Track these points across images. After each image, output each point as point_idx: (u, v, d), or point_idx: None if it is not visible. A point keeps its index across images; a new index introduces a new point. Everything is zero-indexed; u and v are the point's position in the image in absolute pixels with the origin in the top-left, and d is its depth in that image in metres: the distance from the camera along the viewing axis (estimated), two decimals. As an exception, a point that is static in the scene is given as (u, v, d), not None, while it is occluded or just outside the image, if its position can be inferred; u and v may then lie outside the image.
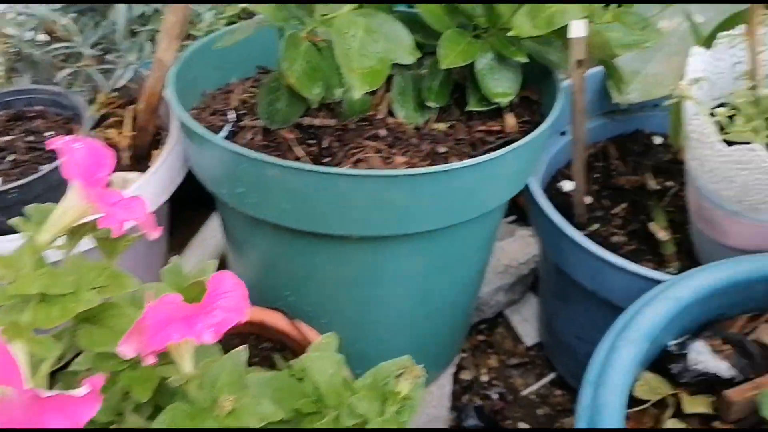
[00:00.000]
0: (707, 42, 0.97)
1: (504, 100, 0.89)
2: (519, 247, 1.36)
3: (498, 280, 1.30)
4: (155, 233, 0.56)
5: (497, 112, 0.94)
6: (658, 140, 1.27)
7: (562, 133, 1.20)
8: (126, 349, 0.51)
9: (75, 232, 0.55)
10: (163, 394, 0.57)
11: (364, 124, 0.89)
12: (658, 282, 0.83)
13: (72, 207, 0.53)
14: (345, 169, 0.73)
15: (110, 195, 0.55)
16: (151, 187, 0.89)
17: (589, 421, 0.68)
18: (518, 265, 1.33)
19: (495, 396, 1.21)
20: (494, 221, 0.91)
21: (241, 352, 0.62)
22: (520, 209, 1.48)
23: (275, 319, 0.81)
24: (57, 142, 0.52)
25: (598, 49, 0.88)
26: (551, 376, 1.24)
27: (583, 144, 0.99)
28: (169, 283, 0.62)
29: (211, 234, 1.30)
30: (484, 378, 1.25)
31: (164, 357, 0.56)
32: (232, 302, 0.55)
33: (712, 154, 0.83)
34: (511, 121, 0.93)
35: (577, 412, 0.70)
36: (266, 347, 0.82)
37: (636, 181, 1.17)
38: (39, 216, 0.54)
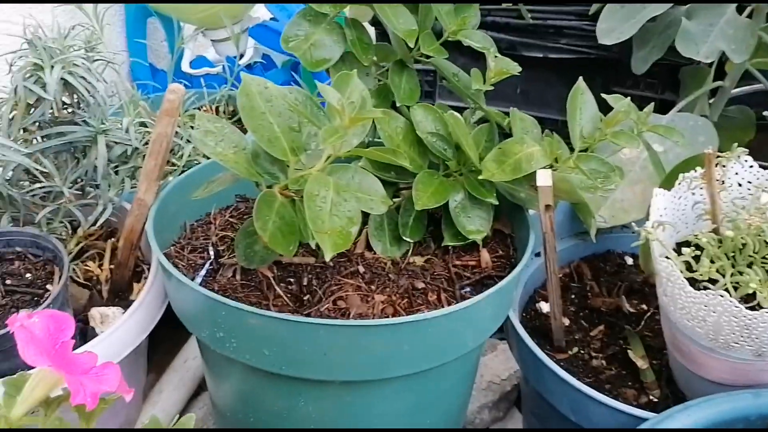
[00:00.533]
0: (668, 183, 1.01)
1: (478, 237, 0.92)
2: (501, 362, 1.35)
3: (482, 398, 1.28)
4: (128, 396, 0.56)
5: (473, 245, 0.96)
6: (629, 260, 1.30)
7: (537, 255, 1.23)
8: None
9: (49, 404, 0.55)
10: None
11: (342, 260, 0.91)
12: (642, 419, 0.84)
13: (42, 381, 0.53)
14: (324, 320, 0.74)
15: (80, 364, 0.55)
16: (131, 327, 0.89)
17: None
18: (501, 381, 1.32)
19: None
20: (474, 357, 0.92)
21: None
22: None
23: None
24: (12, 324, 0.52)
25: (564, 193, 0.92)
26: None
27: (557, 278, 1.01)
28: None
29: (192, 354, 1.28)
30: (472, 506, 1.22)
31: None
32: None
33: (682, 294, 0.86)
34: (485, 256, 0.95)
35: None
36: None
37: (611, 304, 1.19)
38: (12, 389, 0.54)
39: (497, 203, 0.90)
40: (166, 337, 1.31)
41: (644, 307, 1.18)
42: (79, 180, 0.97)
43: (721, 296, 0.79)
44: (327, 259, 0.67)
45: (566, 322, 1.16)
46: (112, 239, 1.05)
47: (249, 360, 0.77)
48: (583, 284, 1.25)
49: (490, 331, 0.87)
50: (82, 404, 0.58)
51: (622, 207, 1.25)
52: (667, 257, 0.86)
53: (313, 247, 0.77)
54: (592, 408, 0.91)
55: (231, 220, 1.02)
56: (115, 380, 0.54)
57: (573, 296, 1.23)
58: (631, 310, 1.17)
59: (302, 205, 0.71)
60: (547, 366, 0.94)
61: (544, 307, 1.19)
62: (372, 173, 0.84)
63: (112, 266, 1.00)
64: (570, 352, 1.11)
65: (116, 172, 0.97)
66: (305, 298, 0.85)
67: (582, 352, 1.12)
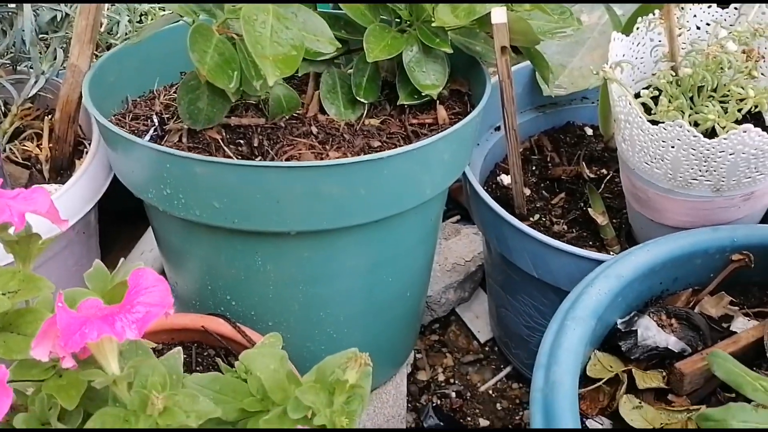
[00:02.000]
0: (627, 29, 0.99)
1: (434, 92, 0.89)
2: (465, 245, 1.36)
3: (447, 279, 1.29)
4: (63, 225, 0.52)
5: (428, 105, 0.93)
6: (589, 131, 1.29)
7: (497, 128, 1.21)
8: (39, 353, 0.47)
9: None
10: (93, 400, 0.53)
11: (294, 122, 0.87)
12: (601, 263, 0.84)
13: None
14: (275, 162, 0.70)
15: (8, 192, 0.51)
16: (73, 197, 0.84)
17: (544, 402, 0.66)
18: (465, 263, 1.32)
19: (453, 394, 1.19)
20: (433, 211, 0.90)
21: (177, 353, 0.59)
22: (463, 209, 1.49)
23: (217, 325, 0.77)
24: None
25: (521, 36, 0.89)
26: (507, 370, 1.24)
27: (516, 133, 0.99)
28: (93, 287, 0.58)
29: (149, 247, 1.24)
30: (441, 377, 1.23)
31: (89, 362, 0.52)
32: (154, 297, 0.51)
33: (640, 133, 0.85)
34: (442, 113, 0.92)
35: (531, 396, 0.68)
36: (210, 354, 0.78)
37: (572, 171, 1.19)
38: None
39: (452, 51, 0.87)
40: (121, 235, 1.28)
41: (604, 171, 1.18)
42: (8, 52, 0.90)
43: (680, 126, 0.78)
44: (270, 83, 0.63)
45: (527, 192, 1.16)
46: (49, 117, 0.99)
47: (200, 216, 0.73)
48: (544, 156, 1.24)
49: (448, 180, 0.84)
50: (16, 242, 0.55)
51: (581, 74, 1.23)
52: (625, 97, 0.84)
53: (258, 89, 0.72)
54: (552, 258, 0.91)
55: (175, 95, 0.97)
56: (45, 203, 0.50)
57: (534, 168, 1.22)
58: (591, 175, 1.17)
59: (242, 43, 0.66)
60: (509, 222, 0.94)
61: (505, 179, 1.18)
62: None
63: (51, 145, 0.94)
64: (532, 219, 1.11)
65: (47, 45, 0.91)
66: (257, 159, 0.81)
67: (543, 219, 1.12)
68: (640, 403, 0.73)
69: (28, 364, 0.53)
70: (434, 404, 1.17)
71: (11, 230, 0.55)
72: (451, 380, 1.24)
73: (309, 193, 0.71)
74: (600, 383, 0.75)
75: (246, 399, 0.60)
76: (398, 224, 0.81)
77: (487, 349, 1.29)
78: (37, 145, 0.96)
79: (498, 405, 1.19)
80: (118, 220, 1.16)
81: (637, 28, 0.95)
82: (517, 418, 1.17)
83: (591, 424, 0.73)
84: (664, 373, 0.76)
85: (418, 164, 0.75)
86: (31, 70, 0.91)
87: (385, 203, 0.76)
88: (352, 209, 0.74)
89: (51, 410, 0.51)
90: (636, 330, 0.78)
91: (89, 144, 0.94)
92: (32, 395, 0.54)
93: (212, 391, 0.59)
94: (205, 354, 0.79)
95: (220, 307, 0.82)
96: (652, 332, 0.78)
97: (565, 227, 1.11)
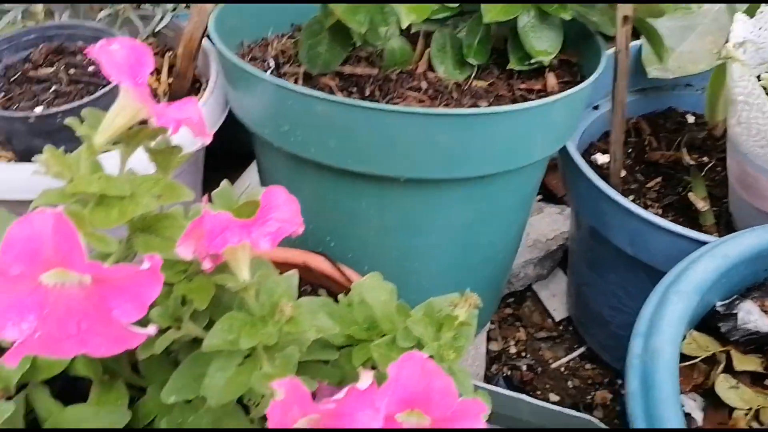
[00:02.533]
0: (750, 11, 0.96)
1: (546, 59, 0.89)
2: (547, 224, 1.35)
3: (527, 254, 1.29)
4: (206, 138, 0.55)
5: (537, 73, 0.93)
6: (691, 119, 1.26)
7: (595, 107, 1.19)
8: (184, 251, 0.51)
9: (130, 139, 0.54)
10: (218, 307, 0.56)
11: (405, 76, 0.88)
12: (702, 243, 0.82)
13: (124, 108, 0.52)
14: (394, 106, 0.72)
15: (160, 104, 0.54)
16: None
17: (642, 368, 0.66)
18: (546, 241, 1.32)
19: (524, 367, 1.20)
20: (535, 176, 0.90)
21: (293, 274, 0.61)
22: (547, 189, 1.48)
23: (318, 262, 0.79)
24: (93, 48, 0.51)
25: (645, 9, 0.87)
26: (581, 350, 1.23)
27: (624, 108, 0.98)
28: (219, 205, 0.61)
29: (249, 181, 1.27)
30: (513, 350, 1.24)
31: (220, 269, 0.55)
32: (286, 214, 0.54)
33: (759, 116, 0.82)
34: (552, 80, 0.92)
35: (628, 362, 0.68)
36: (307, 291, 0.81)
37: (670, 157, 1.16)
38: (93, 120, 0.53)
39: (570, 18, 0.86)
40: (221, 174, 1.32)
41: (705, 159, 1.15)
42: (136, -9, 0.95)
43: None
44: (403, 24, 0.64)
45: (622, 174, 1.14)
46: (169, 54, 1.04)
47: (314, 154, 0.76)
48: (641, 139, 1.22)
49: (557, 144, 0.84)
50: (159, 152, 0.58)
51: (691, 58, 1.19)
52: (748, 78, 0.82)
53: (382, 37, 0.74)
54: (652, 236, 0.90)
55: (288, 43, 0.99)
56: (196, 113, 0.53)
57: (630, 150, 1.20)
58: (692, 162, 1.14)
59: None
60: (609, 197, 0.93)
61: (600, 159, 1.16)
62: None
63: (170, 80, 0.99)
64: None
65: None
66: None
67: (638, 201, 1.10)
68: (737, 383, 0.72)
69: (164, 264, 0.56)
70: (504, 374, 1.17)
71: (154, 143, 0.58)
72: (523, 354, 1.24)
73: (423, 141, 0.72)
74: (696, 361, 0.75)
75: (352, 327, 0.63)
76: (503, 183, 0.81)
77: (561, 328, 1.28)
78: (156, 79, 1.00)
79: (569, 383, 1.19)
80: (214, 168, 1.20)
81: (761, 12, 0.92)
82: (588, 397, 1.16)
83: (683, 399, 0.72)
84: (763, 359, 0.75)
85: (532, 124, 0.76)
86: (155, 7, 0.95)
87: (494, 159, 0.76)
88: (463, 161, 0.75)
89: (185, 307, 0.54)
90: (736, 313, 0.77)
91: (205, 83, 0.98)
92: (161, 297, 0.58)
93: (323, 312, 0.61)
94: (302, 290, 0.82)
95: (319, 248, 0.84)
96: (754, 316, 0.77)
97: (660, 211, 1.09)
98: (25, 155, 0.85)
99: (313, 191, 0.83)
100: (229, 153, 0.98)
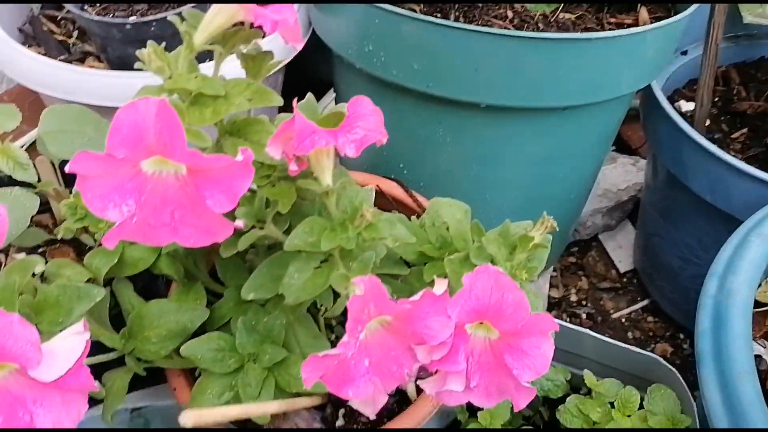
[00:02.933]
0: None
1: (640, -10, 0.85)
2: (620, 174, 1.32)
3: (596, 203, 1.26)
4: (298, 44, 0.56)
5: (629, 7, 0.90)
6: (785, 70, 1.19)
7: (684, 53, 1.14)
8: (273, 150, 0.52)
9: (227, 40, 0.56)
10: (298, 215, 0.58)
11: (490, 4, 0.87)
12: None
13: (223, 8, 0.54)
14: (482, 27, 0.70)
15: (258, 6, 0.55)
16: (273, 45, 0.88)
17: (715, 308, 0.65)
18: (617, 191, 1.29)
19: (583, 315, 1.19)
20: (618, 114, 0.87)
21: (369, 189, 0.62)
22: (622, 140, 1.44)
23: (391, 187, 0.80)
24: None
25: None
26: (644, 302, 1.21)
27: (718, 49, 0.94)
28: (305, 115, 0.62)
29: (328, 101, 1.29)
30: (573, 298, 1.23)
31: (303, 176, 0.56)
32: (371, 123, 0.55)
33: None
34: (644, 14, 0.88)
35: (700, 302, 0.67)
36: (379, 214, 0.82)
37: (759, 107, 1.11)
38: (193, 20, 0.55)
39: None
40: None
41: (797, 112, 1.09)
42: None
43: None
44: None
45: (707, 123, 1.10)
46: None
47: (395, 76, 0.76)
48: (730, 88, 1.16)
49: (645, 78, 0.81)
50: (251, 57, 0.59)
51: (792, 4, 1.13)
52: None
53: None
54: (734, 183, 0.87)
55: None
56: (292, 15, 0.54)
57: (717, 99, 1.15)
58: (782, 114, 1.09)
59: None
60: (692, 138, 0.90)
61: (684, 106, 1.12)
62: None
63: None
64: (708, 149, 1.05)
65: None
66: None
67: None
68: (812, 335, 0.70)
69: (250, 168, 0.59)
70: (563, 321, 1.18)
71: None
72: (584, 302, 1.23)
73: (508, 65, 0.71)
74: (770, 308, 0.73)
75: (425, 245, 0.64)
76: (585, 117, 0.80)
77: (625, 279, 1.27)
78: None
79: (629, 334, 1.18)
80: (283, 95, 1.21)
81: None
82: (648, 349, 1.15)
83: (753, 344, 0.71)
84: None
85: (622, 54, 0.73)
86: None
87: (580, 89, 0.75)
88: (547, 89, 0.73)
89: (268, 209, 0.56)
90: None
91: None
92: (246, 199, 0.60)
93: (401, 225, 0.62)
94: (373, 213, 0.83)
95: (392, 175, 0.85)
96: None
97: (743, 163, 1.05)
98: (118, 64, 0.88)
99: (392, 116, 0.82)
100: (305, 82, 0.98)
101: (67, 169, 0.46)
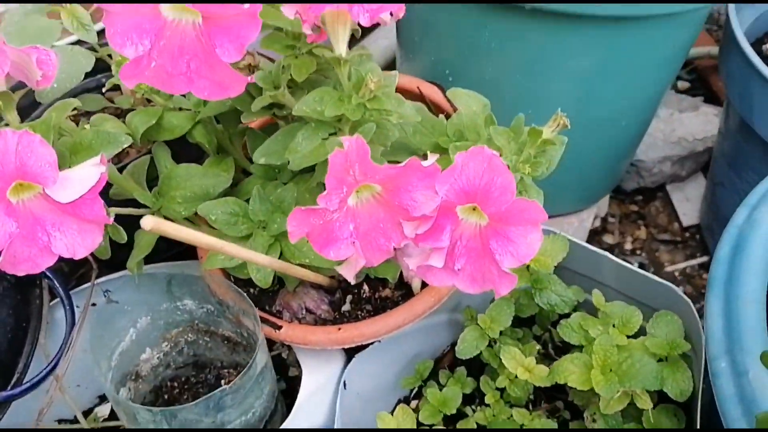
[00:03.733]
0: None
1: None
2: (699, 123, 1.24)
3: (667, 150, 1.20)
4: None
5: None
6: None
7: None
8: (287, 10, 0.53)
9: None
10: (315, 87, 0.59)
11: None
12: None
13: None
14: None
15: None
16: None
17: (738, 237, 0.61)
18: (693, 140, 1.21)
19: (635, 264, 1.15)
20: (682, 34, 0.80)
21: (394, 75, 0.62)
22: (710, 90, 1.35)
23: (431, 91, 0.80)
24: None
25: None
26: (702, 258, 1.16)
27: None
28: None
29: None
30: (628, 246, 1.19)
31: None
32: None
33: None
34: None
35: (725, 231, 0.64)
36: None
37: None
38: None
39: None
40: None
41: None
42: None
43: None
44: None
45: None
46: None
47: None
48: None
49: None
50: None
51: None
52: None
53: None
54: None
55: None
56: None
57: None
58: None
59: None
60: (763, 75, 0.83)
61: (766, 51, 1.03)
62: None
63: None
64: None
65: None
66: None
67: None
68: None
69: (275, 37, 0.60)
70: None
71: None
72: (638, 252, 1.19)
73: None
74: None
75: (441, 137, 0.64)
76: (639, 32, 0.75)
77: (687, 234, 1.20)
78: None
79: (681, 288, 1.13)
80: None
81: None
82: (697, 306, 1.10)
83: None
84: None
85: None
86: None
87: (634, -3, 0.70)
88: (596, -4, 0.69)
89: (283, 75, 0.58)
90: None
91: None
92: (266, 68, 0.62)
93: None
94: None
95: (436, 81, 0.84)
96: None
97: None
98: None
99: (442, 20, 0.82)
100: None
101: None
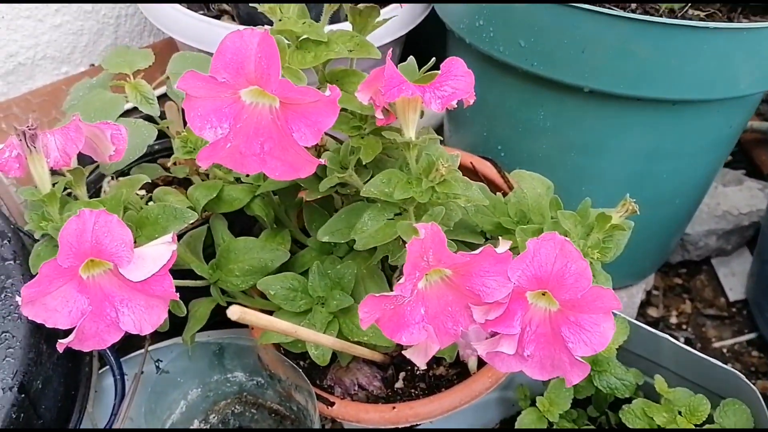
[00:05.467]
0: None
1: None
2: (744, 197, 1.23)
3: (712, 223, 1.19)
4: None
5: (763, 10, 0.84)
6: None
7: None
8: (362, 95, 0.55)
9: (334, -4, 0.59)
10: (380, 168, 0.60)
11: (614, -4, 0.84)
12: None
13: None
14: (592, 6, 0.69)
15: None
16: (393, 18, 0.91)
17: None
18: (738, 215, 1.20)
19: (681, 339, 1.12)
20: (736, 117, 0.81)
21: (456, 156, 0.63)
22: (753, 163, 1.35)
23: (484, 166, 0.80)
24: None
25: None
26: (750, 335, 1.13)
27: None
28: (403, 74, 0.64)
29: None
30: (674, 320, 1.16)
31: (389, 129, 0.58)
32: (461, 84, 0.55)
33: None
34: (784, 19, 0.82)
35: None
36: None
37: None
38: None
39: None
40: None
41: None
42: None
43: None
44: None
45: None
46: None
47: (502, 53, 0.76)
48: None
49: (765, 84, 0.75)
50: (358, 12, 0.62)
51: None
52: None
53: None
54: None
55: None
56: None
57: None
58: None
59: None
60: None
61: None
62: None
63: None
64: None
65: None
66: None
67: None
68: None
69: (342, 118, 0.62)
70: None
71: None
72: (684, 326, 1.16)
73: (617, 49, 0.69)
74: None
75: (503, 217, 0.64)
76: (695, 115, 0.76)
77: (734, 309, 1.18)
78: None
79: (729, 366, 1.09)
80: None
81: None
82: (748, 384, 1.07)
83: None
84: None
85: (743, 50, 0.69)
86: None
87: (691, 81, 0.71)
88: (655, 78, 0.70)
89: (352, 156, 0.59)
90: None
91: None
92: (334, 149, 0.63)
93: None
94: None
95: (489, 155, 0.85)
96: None
97: None
98: (247, 21, 0.95)
99: (496, 96, 0.83)
100: (423, 59, 1.01)
101: (175, 85, 0.51)
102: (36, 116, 1.11)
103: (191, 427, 0.78)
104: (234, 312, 0.46)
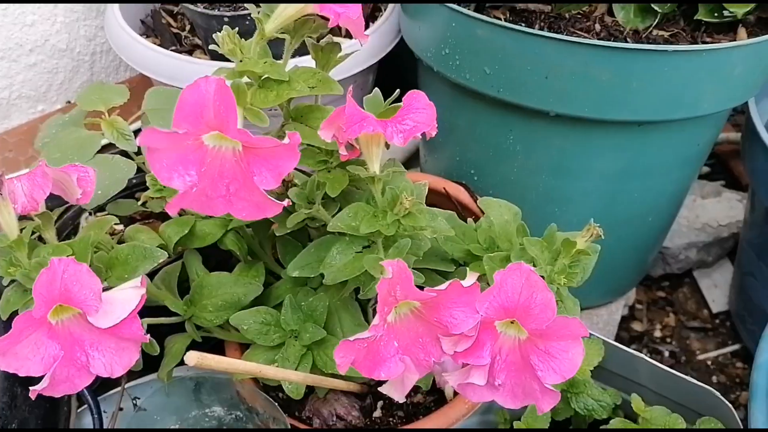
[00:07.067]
0: None
1: (740, 11, 0.81)
2: (722, 209, 1.24)
3: (692, 236, 1.20)
4: (364, 39, 0.59)
5: (728, 28, 0.85)
6: None
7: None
8: (324, 134, 0.55)
9: (296, 30, 0.60)
10: (347, 200, 0.60)
11: (578, 17, 0.86)
12: None
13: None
14: (552, 33, 0.70)
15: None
16: (363, 49, 0.92)
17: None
18: (717, 227, 1.21)
19: (666, 353, 1.13)
20: (703, 136, 0.83)
21: (424, 185, 0.64)
22: (732, 175, 1.36)
23: (457, 191, 0.81)
24: None
25: None
26: (734, 347, 1.13)
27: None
28: (368, 108, 0.65)
29: None
30: (658, 334, 1.17)
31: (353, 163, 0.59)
32: (422, 117, 0.56)
33: None
34: (743, 35, 0.84)
35: (764, 333, 0.63)
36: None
37: None
38: (268, 10, 0.59)
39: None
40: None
41: None
42: None
43: None
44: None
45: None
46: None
47: (468, 80, 0.77)
48: None
49: (730, 100, 0.76)
50: (321, 48, 0.63)
51: None
52: None
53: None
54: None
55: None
56: (356, 13, 0.57)
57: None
58: None
59: None
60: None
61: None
62: None
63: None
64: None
65: None
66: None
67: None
68: None
69: (308, 153, 0.62)
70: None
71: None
72: (668, 340, 1.17)
73: (579, 74, 0.70)
74: None
75: (472, 245, 0.64)
76: (662, 134, 0.76)
77: (717, 321, 1.18)
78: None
79: (714, 378, 1.10)
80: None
81: None
82: (732, 395, 1.07)
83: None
84: None
85: (704, 70, 0.70)
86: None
87: (655, 104, 0.72)
88: (619, 101, 0.71)
89: (318, 191, 0.59)
90: None
91: (384, 9, 1.02)
92: (301, 184, 0.63)
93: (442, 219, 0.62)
94: (439, 217, 0.84)
95: (462, 180, 0.85)
96: None
97: None
98: (218, 55, 0.95)
99: (466, 122, 0.84)
100: (395, 86, 1.02)
101: (137, 142, 0.51)
102: (12, 155, 1.11)
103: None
104: (191, 359, 0.46)
